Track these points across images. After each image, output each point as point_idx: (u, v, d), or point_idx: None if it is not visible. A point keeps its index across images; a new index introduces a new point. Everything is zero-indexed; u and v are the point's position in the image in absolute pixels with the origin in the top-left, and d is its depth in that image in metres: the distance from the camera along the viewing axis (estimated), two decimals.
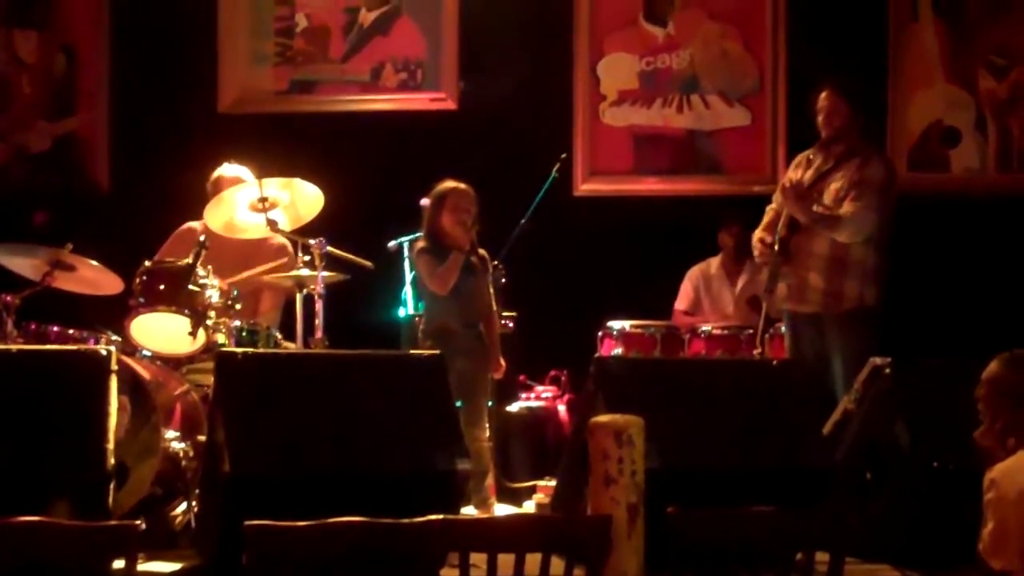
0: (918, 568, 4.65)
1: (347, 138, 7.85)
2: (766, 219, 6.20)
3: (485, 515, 5.46)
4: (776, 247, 5.99)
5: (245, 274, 5.83)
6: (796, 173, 6.09)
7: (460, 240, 5.89)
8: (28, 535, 3.28)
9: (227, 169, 6.20)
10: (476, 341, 5.96)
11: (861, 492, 4.89)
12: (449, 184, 6.00)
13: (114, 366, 4.45)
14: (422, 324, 6.10)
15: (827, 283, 5.90)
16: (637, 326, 6.97)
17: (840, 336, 5.86)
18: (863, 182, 5.89)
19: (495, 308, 6.12)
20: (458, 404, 5.68)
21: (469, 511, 5.51)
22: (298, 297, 5.71)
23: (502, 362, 6.08)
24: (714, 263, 7.53)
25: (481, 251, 6.06)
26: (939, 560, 4.59)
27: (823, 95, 6.03)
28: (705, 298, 7.50)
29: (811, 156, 6.09)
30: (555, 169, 7.10)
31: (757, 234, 6.16)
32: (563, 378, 7.16)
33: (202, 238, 5.62)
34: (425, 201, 6.20)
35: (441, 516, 3.49)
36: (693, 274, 7.54)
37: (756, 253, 6.18)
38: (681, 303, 7.51)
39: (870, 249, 5.91)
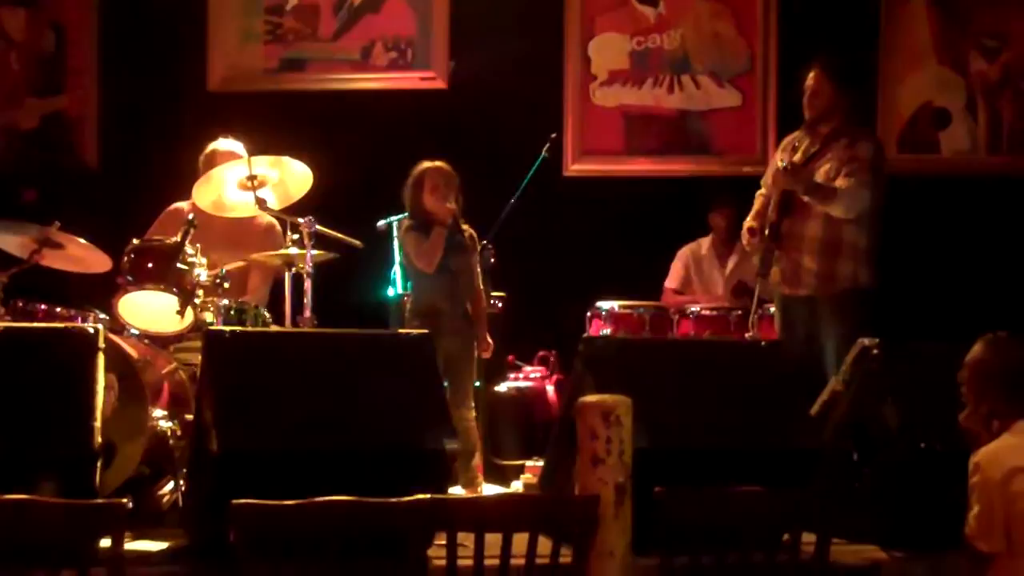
0: (905, 549, 4.66)
1: (337, 117, 7.83)
2: (756, 206, 6.19)
3: (472, 495, 5.47)
4: (767, 232, 5.98)
5: (232, 265, 5.81)
6: (783, 156, 6.08)
7: (442, 216, 5.90)
8: (15, 514, 3.28)
9: (221, 143, 6.18)
10: (463, 320, 5.97)
11: (848, 473, 4.89)
12: (426, 164, 6.01)
13: (102, 344, 4.44)
14: (409, 303, 6.11)
15: (820, 265, 5.89)
16: (626, 306, 6.97)
17: (833, 316, 5.86)
18: (853, 160, 5.89)
19: (482, 287, 6.12)
20: (445, 383, 5.71)
21: (457, 491, 5.52)
22: (287, 276, 5.71)
23: (489, 341, 6.09)
24: (705, 244, 7.53)
25: (469, 230, 6.06)
26: (926, 541, 4.60)
27: (810, 75, 6.02)
28: (695, 278, 7.50)
29: (797, 141, 6.08)
30: (545, 149, 7.08)
31: (746, 223, 6.15)
32: (552, 358, 7.16)
33: (191, 216, 5.61)
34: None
35: (429, 495, 3.50)
36: (684, 253, 7.55)
37: (744, 242, 6.18)
38: (671, 282, 7.51)
39: (862, 229, 5.91)
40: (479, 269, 6.10)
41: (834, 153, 5.94)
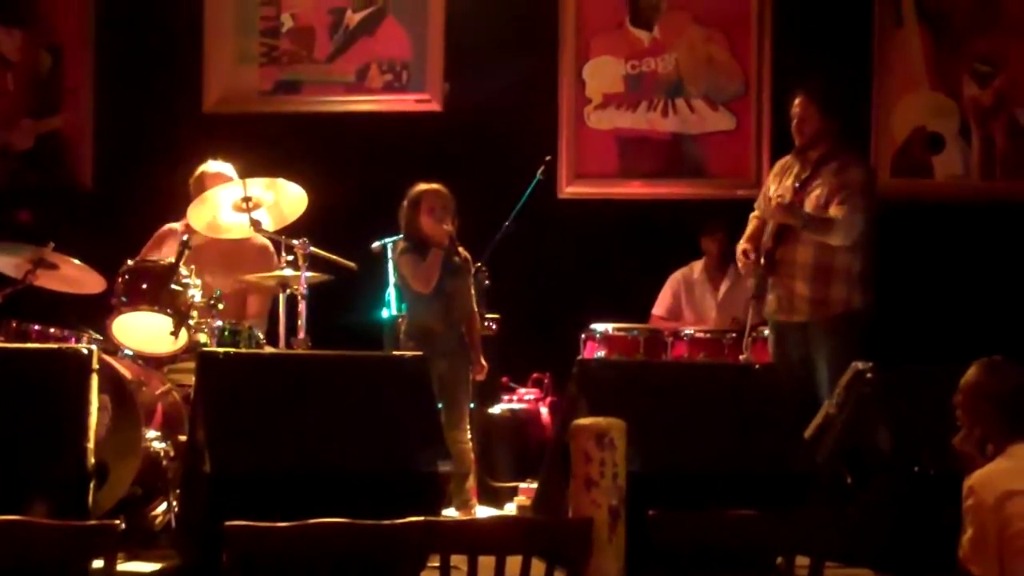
0: (898, 573, 4.65)
1: (332, 139, 7.84)
2: (749, 228, 6.20)
3: (466, 517, 5.46)
4: (762, 260, 5.99)
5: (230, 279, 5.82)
6: (776, 182, 6.09)
7: (439, 239, 5.91)
8: (7, 534, 3.27)
9: (210, 166, 6.19)
10: (458, 343, 5.97)
11: (842, 496, 4.89)
12: (423, 186, 6.02)
13: (95, 365, 4.44)
14: (404, 325, 6.11)
15: (813, 291, 5.90)
16: (620, 329, 6.97)
17: (826, 340, 5.86)
18: (845, 186, 5.91)
19: (476, 310, 6.12)
20: (439, 406, 5.71)
21: (450, 513, 5.51)
22: (281, 297, 5.71)
23: (484, 363, 6.08)
24: (697, 268, 7.53)
25: (464, 252, 6.07)
26: (919, 565, 4.59)
27: (796, 101, 6.04)
28: (687, 304, 7.49)
29: (788, 164, 6.10)
30: (540, 171, 7.10)
31: (741, 245, 6.16)
32: (546, 380, 7.16)
33: (185, 237, 5.61)
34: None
35: (422, 518, 3.49)
36: (674, 279, 7.54)
37: (740, 265, 6.18)
38: (659, 308, 7.50)
39: (856, 254, 5.92)
40: (474, 291, 6.10)
41: (824, 178, 5.96)
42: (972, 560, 3.72)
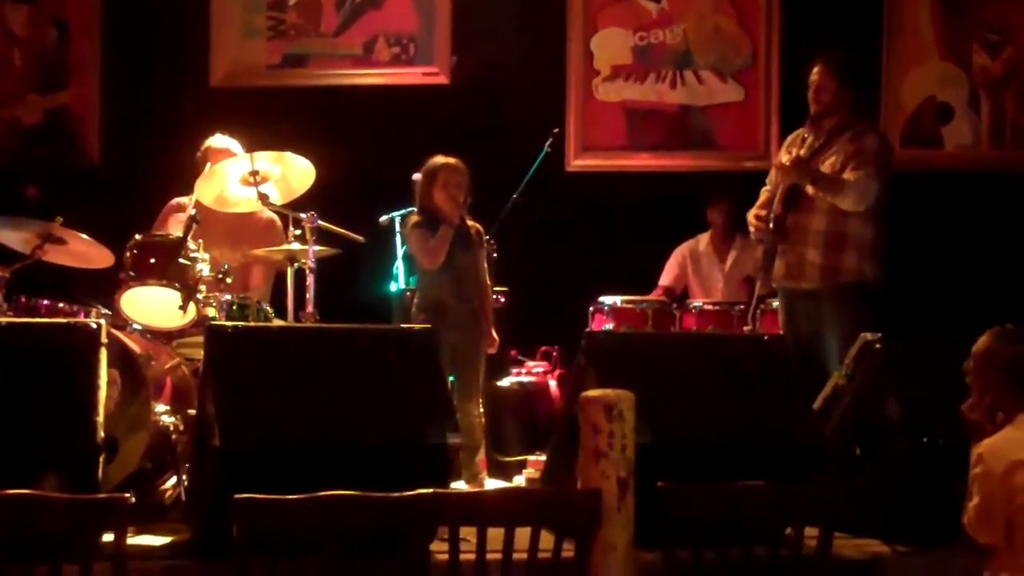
0: (907, 543, 4.66)
1: (339, 112, 7.83)
2: (761, 198, 6.18)
3: (475, 489, 5.47)
4: (771, 226, 5.98)
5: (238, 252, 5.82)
6: (788, 152, 6.07)
7: (451, 215, 5.90)
8: (18, 508, 3.28)
9: (216, 140, 6.18)
10: (470, 316, 5.97)
11: (851, 467, 4.89)
12: (440, 159, 6.00)
13: (104, 339, 4.44)
14: (416, 298, 6.11)
15: (825, 258, 5.88)
16: (628, 301, 6.96)
17: (836, 310, 5.84)
18: (860, 153, 5.88)
19: (489, 283, 6.12)
20: (451, 379, 5.71)
21: (459, 485, 5.52)
22: (289, 271, 5.71)
23: (495, 336, 6.08)
24: (703, 240, 7.52)
25: (476, 226, 6.06)
26: (928, 535, 4.60)
27: (814, 70, 6.02)
28: (694, 276, 7.48)
29: (804, 135, 6.08)
30: (547, 144, 7.09)
31: (753, 211, 6.14)
32: (554, 353, 7.16)
33: (192, 211, 5.61)
34: (417, 176, 6.18)
35: (431, 490, 3.50)
36: (680, 252, 7.53)
37: (752, 230, 6.16)
38: (664, 279, 7.51)
39: (868, 222, 5.90)
40: (485, 265, 6.10)
41: (839, 146, 5.93)
42: (978, 528, 3.73)
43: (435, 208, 5.96)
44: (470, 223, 6.04)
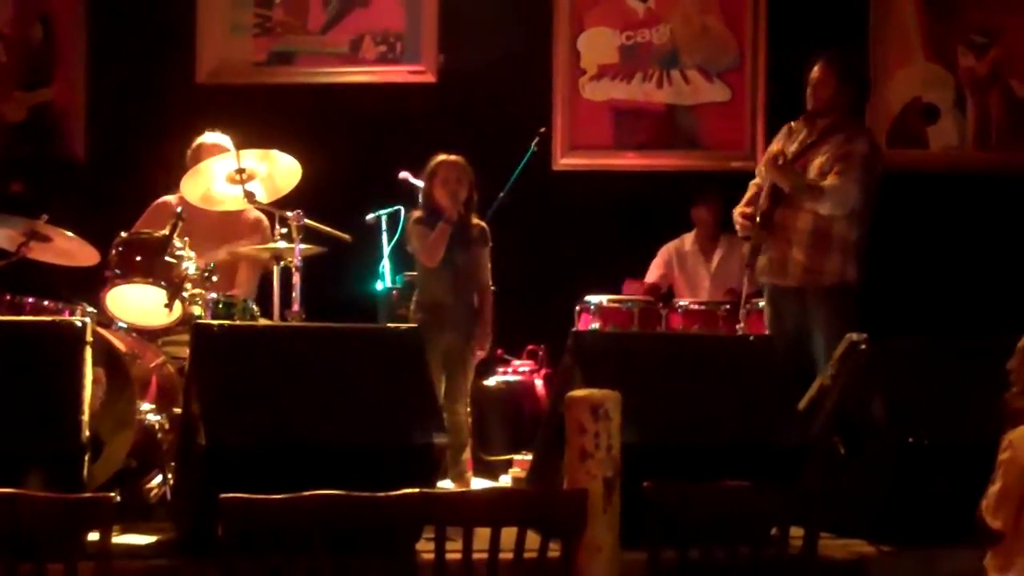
0: (892, 543, 4.67)
1: (326, 110, 7.82)
2: (748, 194, 6.19)
3: (461, 489, 5.46)
4: (758, 220, 5.99)
5: (220, 257, 5.81)
6: (779, 144, 6.09)
7: (449, 211, 5.87)
8: (1, 507, 3.27)
9: (207, 137, 6.17)
10: (467, 316, 5.93)
11: (836, 467, 4.90)
12: (440, 156, 5.98)
13: (89, 338, 4.43)
14: (416, 296, 6.05)
15: (808, 258, 5.90)
16: (614, 300, 6.96)
17: (822, 312, 5.86)
18: (848, 156, 5.90)
19: (490, 283, 6.07)
20: (442, 377, 5.70)
21: (446, 485, 5.52)
22: (275, 270, 5.70)
23: (489, 334, 6.03)
24: (688, 239, 7.52)
25: (481, 224, 6.03)
26: (913, 535, 4.61)
27: (816, 67, 6.03)
28: (680, 276, 7.48)
29: (795, 126, 6.09)
30: (534, 143, 7.09)
31: (739, 208, 6.15)
32: (540, 352, 7.15)
33: (179, 210, 5.60)
34: (404, 175, 6.17)
35: (417, 489, 3.50)
36: (666, 251, 7.53)
37: (738, 227, 6.17)
38: (650, 277, 7.50)
39: (852, 224, 5.92)
40: (488, 264, 6.06)
41: (829, 148, 5.95)
42: (993, 512, 3.75)
43: (435, 204, 5.94)
44: (475, 221, 6.00)
